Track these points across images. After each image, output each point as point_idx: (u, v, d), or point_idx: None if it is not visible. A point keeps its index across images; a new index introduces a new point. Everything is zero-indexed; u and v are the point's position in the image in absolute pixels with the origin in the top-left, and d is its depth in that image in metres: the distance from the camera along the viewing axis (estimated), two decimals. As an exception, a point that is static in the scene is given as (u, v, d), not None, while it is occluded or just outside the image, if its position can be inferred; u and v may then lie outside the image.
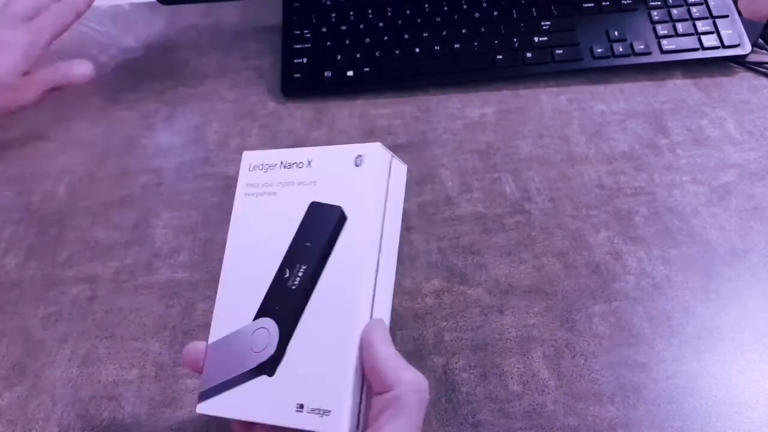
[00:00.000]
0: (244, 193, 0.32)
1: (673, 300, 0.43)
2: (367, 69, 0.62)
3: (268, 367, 0.29)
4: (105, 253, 0.49)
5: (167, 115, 0.61)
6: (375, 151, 0.29)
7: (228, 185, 0.53)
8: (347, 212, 0.28)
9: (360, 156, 0.29)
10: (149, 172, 0.55)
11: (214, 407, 0.30)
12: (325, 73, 0.62)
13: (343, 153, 0.30)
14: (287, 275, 0.29)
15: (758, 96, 0.58)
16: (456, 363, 0.40)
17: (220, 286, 0.32)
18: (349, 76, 0.61)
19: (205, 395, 0.30)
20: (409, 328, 0.42)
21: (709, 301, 0.43)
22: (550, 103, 0.59)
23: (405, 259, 0.47)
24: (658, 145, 0.54)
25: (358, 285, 0.28)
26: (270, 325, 0.29)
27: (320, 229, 0.29)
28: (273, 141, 0.57)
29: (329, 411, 0.27)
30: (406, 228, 0.49)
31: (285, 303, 0.29)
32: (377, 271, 0.28)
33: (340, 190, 0.29)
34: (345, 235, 0.28)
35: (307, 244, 0.29)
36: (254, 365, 0.29)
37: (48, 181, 0.55)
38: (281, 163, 0.32)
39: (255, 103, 0.62)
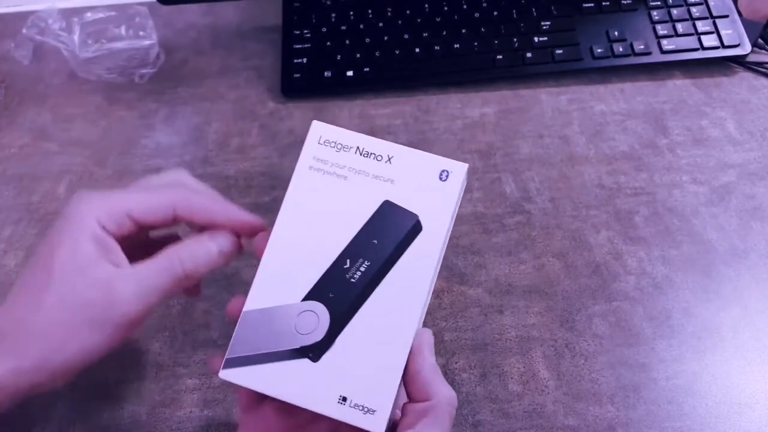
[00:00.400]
0: (309, 165, 0.31)
1: (673, 300, 0.43)
2: (367, 69, 0.62)
3: (313, 352, 0.28)
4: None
5: (167, 115, 0.61)
6: (462, 170, 0.30)
7: (228, 185, 0.53)
8: (423, 223, 0.29)
9: (447, 171, 0.29)
10: (149, 172, 0.55)
11: (240, 376, 0.29)
12: (325, 73, 0.62)
13: (429, 162, 0.30)
14: (347, 266, 0.29)
15: (758, 96, 0.58)
16: (456, 363, 0.40)
17: (266, 252, 0.30)
18: (349, 76, 0.61)
19: (231, 362, 0.29)
20: (409, 328, 0.42)
21: (709, 301, 0.43)
22: (550, 103, 0.59)
23: (405, 259, 0.47)
24: (658, 145, 0.54)
25: (419, 294, 0.29)
26: (320, 310, 0.29)
27: (391, 231, 0.29)
28: (273, 141, 0.57)
29: (374, 410, 0.27)
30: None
31: (341, 293, 0.29)
32: (432, 282, 0.29)
33: (419, 199, 0.29)
34: (416, 244, 0.29)
35: (374, 241, 0.29)
36: (298, 346, 0.29)
37: (48, 181, 0.55)
38: (358, 148, 0.31)
39: (255, 103, 0.62)
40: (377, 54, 0.62)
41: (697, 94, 0.59)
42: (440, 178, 0.29)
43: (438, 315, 0.43)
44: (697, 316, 0.42)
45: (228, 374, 0.29)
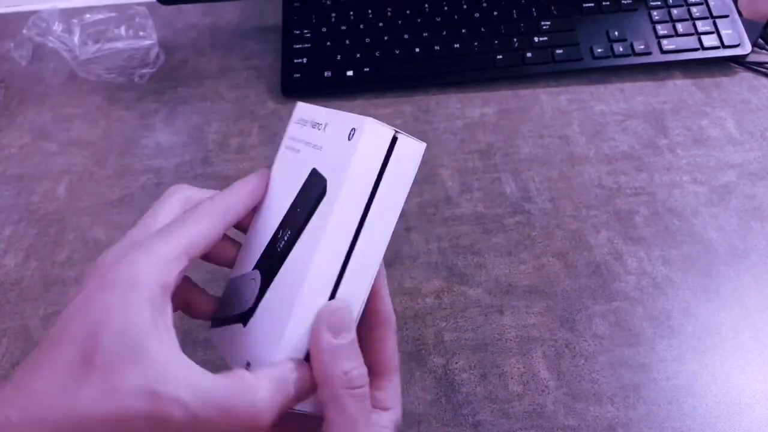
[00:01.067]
0: (285, 145, 0.32)
1: (673, 300, 0.43)
2: (367, 69, 0.62)
3: (244, 317, 0.29)
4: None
5: (167, 115, 0.61)
6: (366, 126, 0.27)
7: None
8: (329, 186, 0.27)
9: (354, 129, 0.27)
10: (149, 172, 0.55)
11: (215, 337, 0.32)
12: (325, 73, 0.62)
13: (344, 122, 0.28)
14: (279, 236, 0.29)
15: (758, 96, 0.58)
16: (456, 363, 0.40)
17: (251, 225, 0.32)
18: (349, 76, 0.61)
19: (214, 323, 0.32)
20: (409, 328, 0.42)
21: (709, 301, 0.43)
22: (550, 103, 0.59)
23: (405, 259, 0.47)
24: (658, 145, 0.54)
25: (313, 264, 0.26)
26: (258, 278, 0.29)
27: (308, 199, 0.28)
28: (273, 141, 0.57)
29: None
30: (406, 228, 0.49)
31: (269, 263, 0.29)
32: (349, 252, 0.27)
33: (332, 162, 0.28)
34: (322, 210, 0.27)
35: (298, 210, 0.28)
36: (236, 312, 0.30)
37: (48, 181, 0.55)
38: (311, 121, 0.31)
39: (255, 103, 0.62)
40: (377, 54, 0.62)
41: (697, 94, 0.59)
42: (348, 138, 0.27)
43: (438, 315, 0.43)
44: (697, 316, 0.42)
45: (212, 332, 0.32)
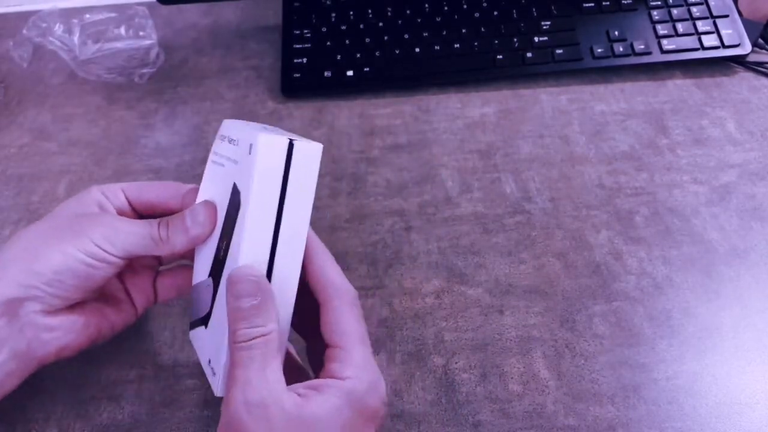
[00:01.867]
0: (211, 159, 0.36)
1: (674, 300, 0.43)
2: (367, 69, 0.62)
3: (205, 321, 0.34)
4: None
5: (167, 115, 0.61)
6: (259, 140, 0.29)
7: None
8: (241, 198, 0.31)
9: (251, 145, 0.30)
10: (149, 172, 0.55)
11: (192, 340, 0.36)
12: (325, 73, 0.62)
13: (247, 138, 0.31)
14: (220, 244, 0.33)
15: (758, 96, 0.58)
16: (456, 363, 0.40)
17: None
18: (349, 76, 0.61)
19: (190, 326, 0.37)
20: (409, 328, 0.42)
21: (709, 301, 0.43)
22: (551, 103, 0.59)
23: (405, 259, 0.47)
24: (659, 145, 0.54)
25: (239, 264, 0.30)
26: (211, 284, 0.33)
27: (231, 211, 0.32)
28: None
29: (215, 373, 0.31)
30: (406, 228, 0.49)
31: (217, 270, 0.33)
32: (272, 253, 0.30)
33: (242, 176, 0.31)
34: (239, 220, 0.31)
35: (227, 221, 0.33)
36: (200, 316, 0.35)
37: (48, 181, 0.55)
38: (228, 137, 0.34)
39: (255, 103, 0.62)
40: (377, 54, 0.62)
41: (697, 94, 0.59)
42: (249, 153, 0.31)
43: (438, 315, 0.43)
44: (697, 316, 0.42)
45: (190, 336, 0.37)
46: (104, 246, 0.33)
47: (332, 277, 0.32)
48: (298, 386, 0.29)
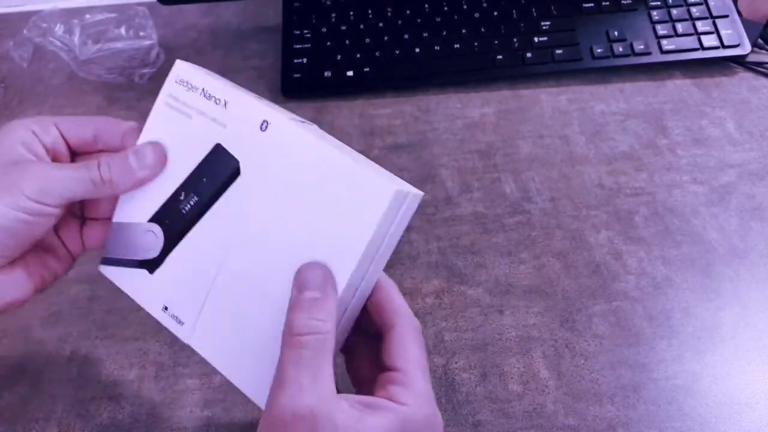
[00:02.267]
0: (165, 101, 0.34)
1: (673, 300, 0.43)
2: (367, 69, 0.62)
3: (149, 266, 0.34)
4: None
5: (167, 115, 0.61)
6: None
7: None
8: (242, 169, 0.31)
9: (266, 122, 0.31)
10: (149, 172, 0.55)
11: (111, 274, 0.36)
12: (325, 73, 0.62)
13: (253, 111, 0.31)
14: (182, 198, 0.33)
15: (758, 96, 0.58)
16: (456, 363, 0.40)
17: None
18: (349, 76, 0.61)
19: (105, 261, 0.36)
20: (409, 328, 0.42)
21: (709, 301, 0.43)
22: (550, 103, 0.59)
23: (405, 259, 0.47)
24: (658, 145, 0.54)
25: (231, 237, 0.31)
26: (158, 232, 0.34)
27: (217, 172, 0.32)
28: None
29: (183, 322, 0.33)
30: (406, 228, 0.49)
31: (174, 221, 0.33)
32: (245, 231, 0.31)
33: (243, 146, 0.31)
34: (240, 191, 0.31)
35: (204, 180, 0.32)
36: (140, 259, 0.34)
37: (48, 181, 0.55)
38: (203, 90, 0.33)
39: (255, 103, 0.62)
40: (377, 54, 0.62)
41: (697, 94, 0.59)
42: (261, 129, 0.31)
43: (438, 315, 0.43)
44: (697, 316, 0.42)
45: (104, 270, 0.36)
46: (41, 199, 0.31)
47: (401, 304, 0.32)
48: (351, 398, 0.27)
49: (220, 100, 0.32)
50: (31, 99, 0.64)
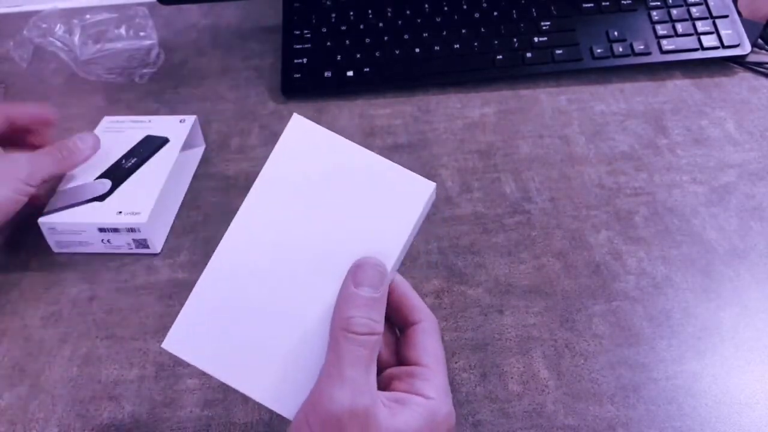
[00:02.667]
0: (103, 129, 0.54)
1: (673, 300, 0.43)
2: (367, 69, 0.62)
3: (101, 198, 0.48)
4: (104, 252, 0.49)
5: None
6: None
7: (228, 185, 0.53)
8: (170, 141, 0.52)
9: (183, 120, 0.55)
10: (149, 172, 0.55)
11: (53, 220, 0.47)
12: (325, 73, 0.62)
13: (169, 119, 0.55)
14: (124, 161, 0.50)
15: (758, 96, 0.58)
16: (456, 363, 0.40)
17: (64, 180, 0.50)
18: (349, 76, 0.62)
19: (47, 213, 0.47)
20: (409, 328, 0.42)
21: (709, 301, 0.43)
22: (550, 103, 0.59)
23: (405, 259, 0.46)
24: (658, 145, 0.54)
25: (154, 181, 0.49)
26: (106, 181, 0.49)
27: (149, 145, 0.52)
28: (273, 141, 0.57)
29: (138, 212, 0.46)
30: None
31: (118, 173, 0.49)
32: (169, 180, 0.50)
33: (168, 131, 0.53)
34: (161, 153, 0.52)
35: (141, 149, 0.51)
36: (91, 197, 0.48)
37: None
38: (129, 120, 0.55)
39: (255, 103, 0.62)
40: (377, 54, 0.62)
41: (697, 94, 0.59)
42: (180, 122, 0.54)
43: (438, 315, 0.43)
44: (697, 316, 0.42)
45: (46, 220, 0.47)
46: (31, 182, 0.44)
47: (418, 302, 0.32)
48: (382, 395, 0.28)
49: (144, 121, 0.55)
50: (32, 99, 0.64)
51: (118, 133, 0.53)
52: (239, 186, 0.53)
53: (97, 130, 0.54)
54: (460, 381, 0.39)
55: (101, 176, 0.49)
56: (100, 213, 0.47)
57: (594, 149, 0.54)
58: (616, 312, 0.42)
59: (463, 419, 0.38)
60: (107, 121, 0.55)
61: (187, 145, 0.54)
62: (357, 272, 0.29)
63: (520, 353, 0.41)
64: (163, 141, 0.52)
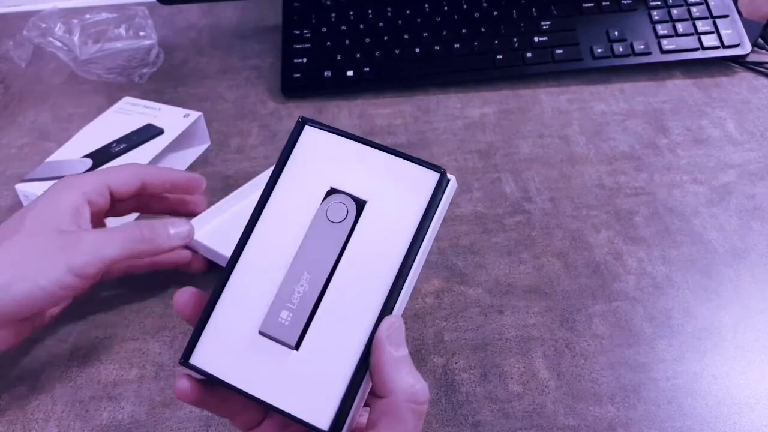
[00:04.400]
0: (117, 108, 0.56)
1: (674, 300, 0.43)
2: (367, 69, 0.62)
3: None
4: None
5: (167, 115, 0.61)
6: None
7: (228, 185, 0.53)
8: (165, 132, 0.53)
9: (187, 114, 0.54)
10: (149, 172, 0.55)
11: (28, 189, 0.49)
12: (325, 73, 0.62)
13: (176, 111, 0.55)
14: (114, 145, 0.52)
15: (758, 96, 0.58)
16: (456, 363, 0.40)
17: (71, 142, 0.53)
18: (349, 76, 0.61)
19: (27, 180, 0.50)
20: (408, 327, 0.42)
21: (709, 301, 0.43)
22: (550, 103, 0.59)
23: (405, 259, 0.46)
24: (658, 145, 0.54)
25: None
26: (88, 161, 0.50)
27: (145, 133, 0.52)
28: (273, 141, 0.57)
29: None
30: (406, 228, 0.49)
31: (103, 156, 0.51)
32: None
33: (169, 124, 0.53)
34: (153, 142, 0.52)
35: (135, 137, 0.52)
36: (68, 174, 0.44)
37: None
38: (143, 105, 0.56)
39: (255, 103, 0.62)
40: (377, 54, 0.62)
41: (697, 94, 0.59)
42: (183, 116, 0.54)
43: (438, 315, 0.43)
44: (697, 316, 0.42)
45: (23, 186, 0.49)
46: (84, 271, 0.34)
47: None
48: None
49: (151, 108, 0.56)
50: (31, 99, 0.64)
51: (125, 115, 0.55)
52: (239, 186, 0.53)
53: (113, 109, 0.55)
54: (460, 381, 0.39)
55: (87, 156, 0.51)
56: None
57: (594, 149, 0.54)
58: (616, 312, 0.42)
59: (462, 419, 0.38)
60: (125, 102, 0.56)
61: (190, 142, 0.54)
62: (390, 335, 0.27)
63: (520, 353, 0.41)
64: (158, 132, 0.53)
